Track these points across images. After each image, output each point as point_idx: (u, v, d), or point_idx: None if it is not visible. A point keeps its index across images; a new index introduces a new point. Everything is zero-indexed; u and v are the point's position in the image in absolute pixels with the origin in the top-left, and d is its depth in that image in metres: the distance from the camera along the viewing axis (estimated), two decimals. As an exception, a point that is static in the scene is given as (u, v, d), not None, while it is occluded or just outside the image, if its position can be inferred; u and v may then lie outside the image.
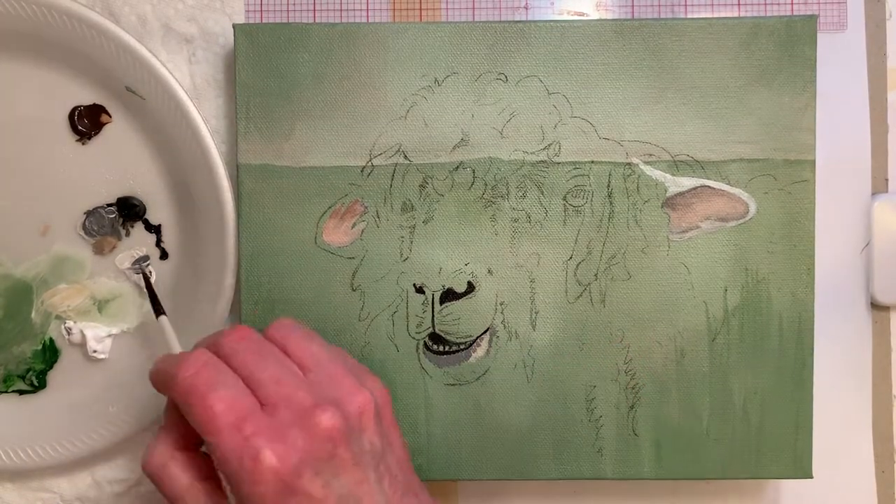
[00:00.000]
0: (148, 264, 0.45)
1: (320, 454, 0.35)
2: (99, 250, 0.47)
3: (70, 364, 0.47)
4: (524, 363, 0.46)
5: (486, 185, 0.45)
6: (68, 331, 0.47)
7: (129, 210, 0.47)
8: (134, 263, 0.45)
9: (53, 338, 0.47)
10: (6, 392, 0.47)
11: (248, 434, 0.34)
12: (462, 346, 0.46)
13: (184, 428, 0.37)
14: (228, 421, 0.35)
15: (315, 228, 0.46)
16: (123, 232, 0.47)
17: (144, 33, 0.47)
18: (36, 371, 0.47)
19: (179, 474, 0.37)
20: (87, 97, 0.46)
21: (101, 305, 0.47)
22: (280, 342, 0.39)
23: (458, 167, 0.45)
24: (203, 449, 0.38)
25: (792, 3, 0.48)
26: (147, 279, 0.46)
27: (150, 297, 0.45)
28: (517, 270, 0.46)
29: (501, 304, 0.46)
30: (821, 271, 0.47)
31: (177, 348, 0.42)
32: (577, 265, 0.46)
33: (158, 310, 0.44)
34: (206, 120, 0.45)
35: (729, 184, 0.45)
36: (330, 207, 0.45)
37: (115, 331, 0.47)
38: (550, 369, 0.46)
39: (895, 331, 0.49)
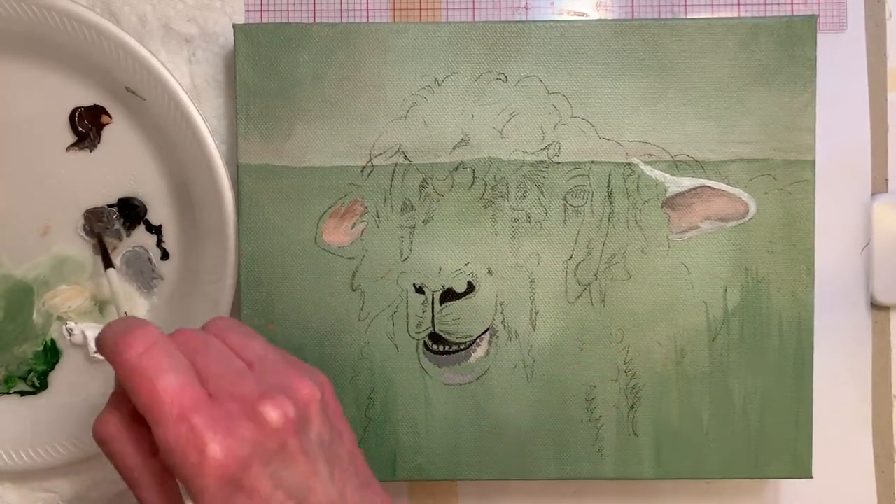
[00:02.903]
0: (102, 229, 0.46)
1: (269, 446, 0.34)
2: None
3: (71, 365, 0.47)
4: (524, 363, 0.46)
5: (486, 185, 0.45)
6: (69, 332, 0.47)
7: (129, 210, 0.47)
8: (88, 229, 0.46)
9: (55, 339, 0.47)
10: (7, 393, 0.47)
11: (195, 425, 0.33)
12: (462, 346, 0.46)
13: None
14: (175, 410, 0.33)
15: (315, 228, 0.46)
16: (124, 232, 0.47)
17: (144, 33, 0.47)
18: (37, 372, 0.47)
19: (132, 448, 0.35)
20: (87, 98, 0.46)
21: (102, 306, 0.47)
22: (220, 338, 0.38)
23: (458, 167, 0.45)
24: None
25: (792, 3, 0.48)
26: (101, 237, 0.46)
27: (101, 251, 0.46)
28: (517, 270, 0.46)
29: (501, 304, 0.46)
30: (821, 271, 0.47)
31: (122, 307, 0.42)
32: (577, 265, 0.46)
33: (108, 263, 0.45)
34: (206, 120, 0.45)
35: (729, 184, 0.45)
36: (330, 207, 0.46)
37: (115, 331, 0.47)
38: (550, 369, 0.46)
39: (895, 331, 0.49)
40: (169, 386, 0.34)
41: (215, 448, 0.33)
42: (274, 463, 0.34)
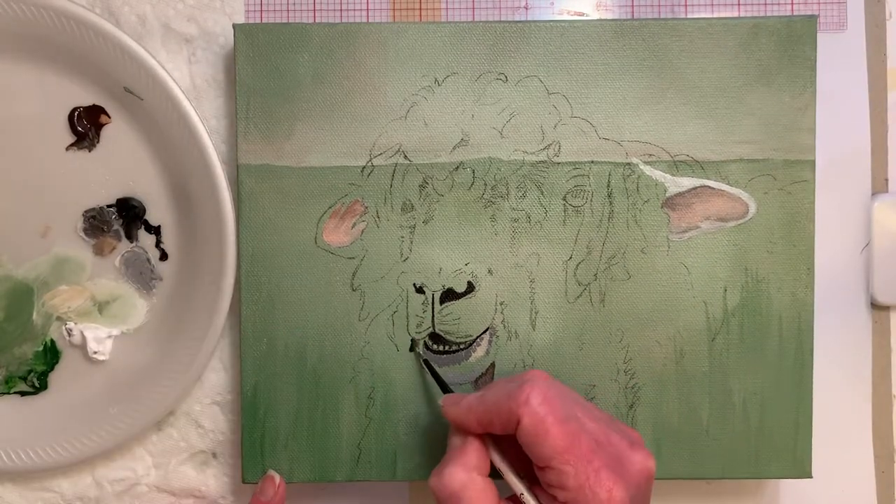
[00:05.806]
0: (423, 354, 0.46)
1: (641, 493, 0.37)
2: (99, 251, 0.47)
3: (71, 365, 0.47)
4: (524, 363, 0.46)
5: (485, 185, 0.45)
6: (69, 332, 0.47)
7: (128, 211, 0.47)
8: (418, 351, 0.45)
9: (54, 339, 0.47)
10: (8, 393, 0.47)
11: (597, 467, 0.36)
12: (462, 346, 0.46)
13: (477, 454, 0.39)
14: (581, 452, 0.36)
15: (315, 228, 0.46)
16: (123, 233, 0.47)
17: (144, 33, 0.47)
18: (37, 372, 0.47)
19: (480, 496, 0.38)
20: (86, 98, 0.46)
21: (101, 307, 0.47)
22: None
23: (458, 167, 0.45)
24: (510, 476, 0.39)
25: (792, 3, 0.48)
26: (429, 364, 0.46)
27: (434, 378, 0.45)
28: (517, 270, 0.46)
29: (501, 303, 0.46)
30: (821, 271, 0.47)
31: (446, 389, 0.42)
32: (577, 265, 0.46)
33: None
34: (205, 120, 0.45)
35: (729, 184, 0.45)
36: (330, 207, 0.46)
37: (115, 332, 0.47)
38: (550, 369, 0.46)
39: (895, 331, 0.49)
40: (572, 430, 0.37)
41: (621, 492, 0.36)
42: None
